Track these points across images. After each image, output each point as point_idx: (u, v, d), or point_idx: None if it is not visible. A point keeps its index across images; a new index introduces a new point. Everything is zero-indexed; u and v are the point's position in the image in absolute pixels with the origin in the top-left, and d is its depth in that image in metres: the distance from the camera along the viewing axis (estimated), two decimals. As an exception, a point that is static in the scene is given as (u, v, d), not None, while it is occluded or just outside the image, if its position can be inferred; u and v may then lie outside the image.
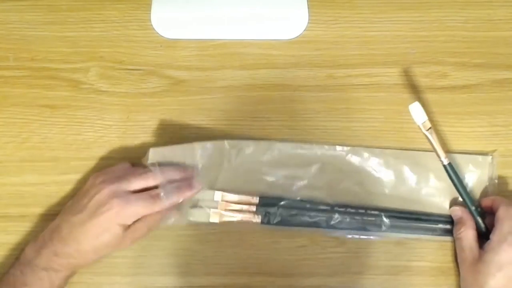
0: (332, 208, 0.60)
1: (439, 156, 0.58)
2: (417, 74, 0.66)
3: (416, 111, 0.58)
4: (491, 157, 0.62)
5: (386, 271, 0.60)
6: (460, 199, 0.60)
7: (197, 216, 0.60)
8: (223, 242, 0.61)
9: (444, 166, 0.58)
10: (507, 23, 0.67)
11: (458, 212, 0.59)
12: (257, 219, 0.60)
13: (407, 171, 0.61)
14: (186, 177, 0.59)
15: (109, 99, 0.65)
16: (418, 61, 0.66)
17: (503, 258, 0.54)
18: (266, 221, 0.60)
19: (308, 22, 0.68)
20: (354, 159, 0.62)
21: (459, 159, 0.61)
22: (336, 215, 0.60)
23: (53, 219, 0.57)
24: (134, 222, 0.57)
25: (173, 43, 0.68)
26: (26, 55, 0.67)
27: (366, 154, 0.62)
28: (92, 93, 0.66)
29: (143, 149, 0.62)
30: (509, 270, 0.54)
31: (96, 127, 0.65)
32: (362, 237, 0.60)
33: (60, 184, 0.62)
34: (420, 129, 0.58)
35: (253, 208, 0.60)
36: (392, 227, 0.60)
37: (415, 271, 0.60)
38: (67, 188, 0.62)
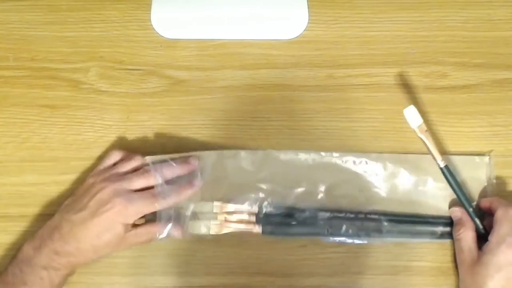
0: (332, 214, 0.60)
1: (435, 159, 0.58)
2: (417, 74, 0.66)
3: (411, 115, 0.57)
4: (488, 157, 0.62)
5: (386, 271, 0.60)
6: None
7: (197, 228, 0.60)
8: (223, 242, 0.61)
9: (441, 168, 0.58)
10: (507, 23, 0.67)
11: (457, 213, 0.59)
12: (258, 229, 0.60)
13: (405, 174, 0.61)
14: (188, 173, 0.59)
15: (109, 99, 0.65)
16: (418, 61, 0.66)
17: (501, 260, 0.54)
18: (267, 231, 0.60)
19: (308, 22, 0.68)
20: (352, 165, 0.62)
21: (457, 161, 0.61)
22: (337, 222, 0.59)
23: (52, 219, 0.57)
24: (137, 226, 0.57)
25: (173, 43, 0.68)
26: (26, 55, 0.67)
27: (363, 159, 0.62)
28: (92, 93, 0.66)
29: (143, 149, 0.62)
30: (508, 271, 0.54)
31: (96, 127, 0.65)
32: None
33: (60, 184, 0.62)
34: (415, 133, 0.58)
35: (253, 218, 0.60)
36: (392, 231, 0.59)
37: (415, 271, 0.60)
38: (67, 188, 0.62)
